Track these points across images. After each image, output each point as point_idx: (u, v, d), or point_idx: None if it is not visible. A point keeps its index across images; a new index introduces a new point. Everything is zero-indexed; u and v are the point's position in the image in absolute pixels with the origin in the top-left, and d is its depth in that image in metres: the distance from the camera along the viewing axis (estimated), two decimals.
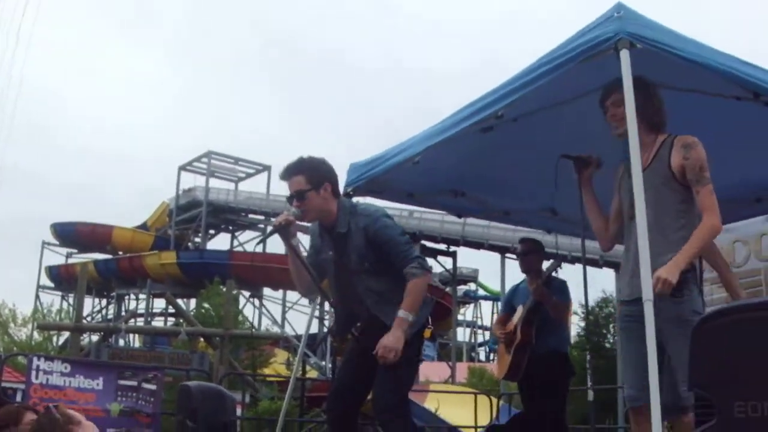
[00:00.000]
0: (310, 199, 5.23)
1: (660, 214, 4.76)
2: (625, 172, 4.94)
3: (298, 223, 5.40)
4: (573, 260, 27.23)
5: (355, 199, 6.25)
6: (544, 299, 7.28)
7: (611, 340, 41.03)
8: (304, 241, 6.21)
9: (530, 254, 7.62)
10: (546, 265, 7.51)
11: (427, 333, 5.37)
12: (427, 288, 5.40)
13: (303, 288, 5.63)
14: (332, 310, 5.61)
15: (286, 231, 5.24)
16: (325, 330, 41.52)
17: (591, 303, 38.46)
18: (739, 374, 2.49)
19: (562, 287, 7.56)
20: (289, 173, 5.31)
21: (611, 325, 41.59)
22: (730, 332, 2.57)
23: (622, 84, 4.60)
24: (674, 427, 4.89)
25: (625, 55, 4.64)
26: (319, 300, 6.38)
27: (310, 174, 5.25)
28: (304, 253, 5.69)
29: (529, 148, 6.57)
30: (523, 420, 8.03)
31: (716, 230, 4.74)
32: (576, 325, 42.35)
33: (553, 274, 7.39)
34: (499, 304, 43.75)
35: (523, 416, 7.98)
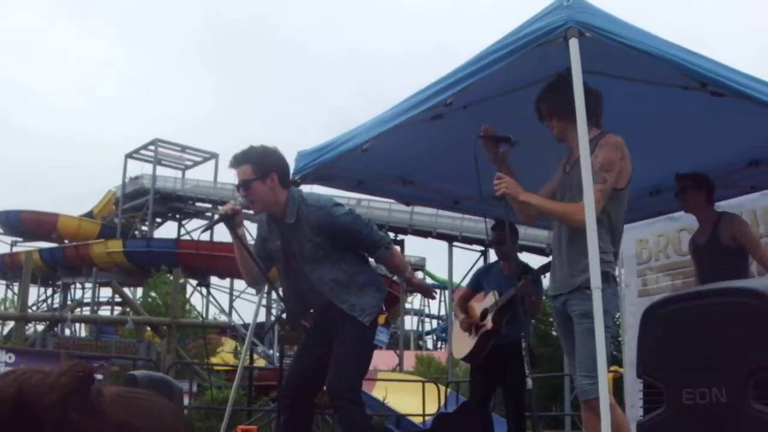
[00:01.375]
0: (255, 189, 5.21)
1: None
2: (562, 169, 5.05)
3: (244, 212, 5.37)
4: (521, 249, 27.30)
5: (302, 188, 6.21)
6: (528, 294, 7.27)
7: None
8: (252, 229, 6.17)
9: (504, 244, 7.57)
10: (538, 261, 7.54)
11: (382, 319, 5.41)
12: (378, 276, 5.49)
13: (250, 277, 5.59)
14: (280, 299, 5.58)
15: (231, 220, 5.20)
16: (273, 319, 41.43)
17: None
18: (686, 362, 2.50)
19: (540, 283, 7.63)
20: (236, 162, 5.28)
21: None
22: (678, 320, 2.58)
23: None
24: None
25: (573, 44, 4.64)
26: (266, 289, 6.34)
27: (256, 163, 5.22)
28: (251, 242, 5.66)
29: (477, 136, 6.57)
30: (469, 407, 8.10)
31: (571, 218, 4.82)
32: None
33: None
34: (446, 292, 43.87)
35: (469, 404, 8.04)
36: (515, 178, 5.13)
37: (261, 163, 5.23)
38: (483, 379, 7.65)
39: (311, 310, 5.61)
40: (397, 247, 5.44)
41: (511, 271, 7.39)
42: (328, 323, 5.38)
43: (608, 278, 4.78)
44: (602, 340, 4.12)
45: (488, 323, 7.37)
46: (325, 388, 5.42)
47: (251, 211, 5.53)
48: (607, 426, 3.63)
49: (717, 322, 2.47)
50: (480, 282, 7.80)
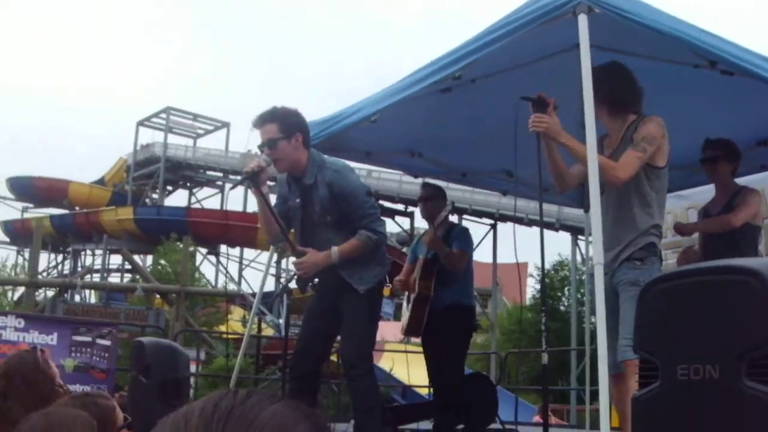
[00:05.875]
0: (281, 148, 5.32)
1: (622, 193, 4.97)
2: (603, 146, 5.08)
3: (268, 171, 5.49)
4: (530, 223, 27.40)
5: None
6: (437, 248, 6.94)
7: (566, 303, 41.50)
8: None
9: (430, 200, 7.24)
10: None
11: (387, 291, 5.48)
12: (386, 249, 5.53)
13: (271, 236, 5.72)
14: (291, 264, 5.65)
15: (256, 178, 5.31)
16: (281, 287, 41.55)
17: (547, 266, 38.81)
18: (682, 338, 2.53)
19: (462, 235, 7.30)
20: (261, 121, 5.38)
21: (566, 288, 42.07)
22: (674, 297, 2.60)
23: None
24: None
25: (583, 20, 4.65)
26: (275, 258, 6.41)
27: (282, 123, 5.34)
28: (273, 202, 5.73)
29: (486, 110, 6.59)
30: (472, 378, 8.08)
31: (612, 174, 4.84)
32: (531, 287, 42.83)
33: (454, 220, 7.10)
34: None
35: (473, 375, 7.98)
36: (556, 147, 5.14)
37: (286, 123, 5.36)
38: (431, 349, 7.26)
39: (316, 280, 5.67)
40: (368, 248, 5.39)
41: (432, 234, 7.01)
42: (332, 292, 5.52)
43: (655, 251, 4.94)
44: (602, 309, 4.22)
45: (415, 289, 7.03)
46: (337, 359, 5.52)
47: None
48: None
49: (714, 299, 2.49)
50: (415, 253, 7.43)
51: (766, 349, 2.32)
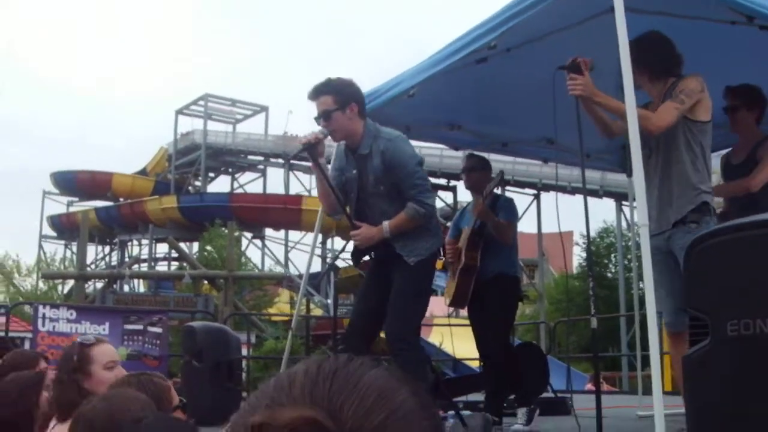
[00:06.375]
0: (336, 119, 5.34)
1: (671, 151, 4.98)
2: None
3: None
4: (573, 191, 27.21)
5: None
6: (487, 218, 6.87)
7: (613, 270, 41.32)
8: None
9: (474, 171, 7.18)
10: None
11: (439, 264, 5.53)
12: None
13: (329, 208, 5.79)
14: (352, 225, 5.63)
15: (314, 149, 5.35)
16: (327, 266, 41.66)
17: (592, 233, 38.64)
18: (730, 294, 2.52)
19: (507, 205, 7.23)
20: (316, 93, 5.39)
21: (612, 255, 41.86)
22: (721, 253, 2.60)
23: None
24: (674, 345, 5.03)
25: None
26: (320, 239, 6.47)
27: (337, 94, 5.35)
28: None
29: (523, 79, 6.57)
30: (523, 348, 8.06)
31: (650, 122, 4.84)
32: (578, 255, 42.67)
33: (497, 191, 7.05)
34: None
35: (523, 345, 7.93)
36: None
37: (341, 94, 5.36)
38: (478, 321, 7.17)
39: (366, 258, 5.71)
40: (416, 221, 5.40)
41: (482, 204, 6.91)
42: (385, 266, 5.53)
43: (709, 210, 4.93)
44: (649, 267, 4.23)
45: (462, 259, 6.99)
46: (382, 334, 5.50)
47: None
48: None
49: (759, 254, 2.49)
50: (458, 225, 7.37)
51: None
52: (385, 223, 5.37)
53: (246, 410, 0.87)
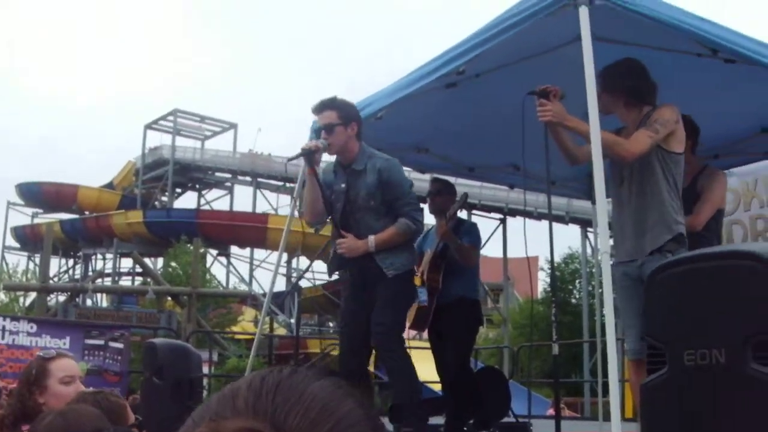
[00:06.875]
0: (338, 133, 5.66)
1: (647, 179, 5.02)
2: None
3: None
4: (539, 216, 27.32)
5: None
6: (450, 240, 6.93)
7: (577, 296, 41.49)
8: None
9: (439, 195, 7.23)
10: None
11: (418, 280, 6.02)
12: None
13: (314, 216, 5.99)
14: (338, 234, 5.78)
15: (311, 157, 5.61)
16: (292, 286, 41.59)
17: (557, 259, 38.80)
18: (688, 323, 2.55)
19: (471, 229, 7.31)
20: (322, 107, 5.72)
21: (577, 281, 42.04)
22: (680, 283, 2.63)
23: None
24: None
25: (583, 12, 4.68)
26: (284, 258, 6.56)
27: (340, 111, 5.69)
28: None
29: (492, 105, 6.60)
30: (485, 373, 8.07)
31: (622, 148, 4.92)
32: (543, 281, 42.79)
33: (463, 215, 7.09)
34: None
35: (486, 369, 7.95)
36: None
37: (345, 111, 5.72)
38: (438, 343, 7.21)
39: (347, 271, 5.91)
40: (405, 237, 5.72)
41: (444, 226, 6.99)
42: (364, 284, 5.75)
43: (684, 241, 4.97)
44: (609, 295, 4.27)
45: (424, 282, 6.98)
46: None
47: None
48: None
49: (719, 284, 2.52)
50: (421, 248, 7.23)
51: None
52: (371, 237, 5.61)
53: (189, 425, 0.86)
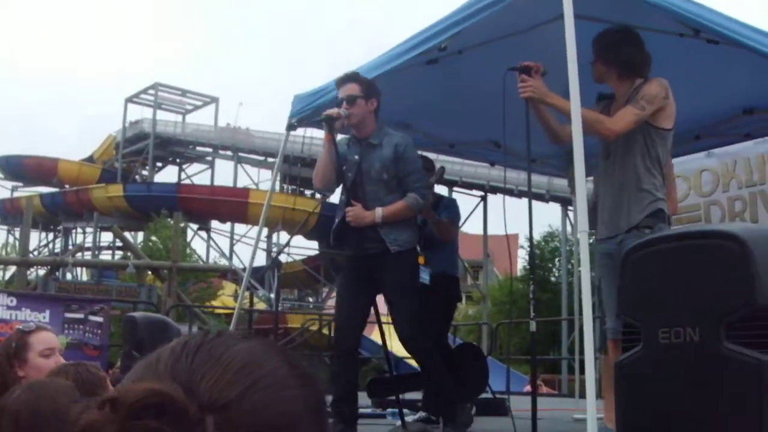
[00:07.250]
0: (359, 105, 5.77)
1: (628, 156, 5.02)
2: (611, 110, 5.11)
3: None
4: (520, 194, 27.46)
5: (299, 131, 6.37)
6: (427, 215, 7.00)
7: (557, 274, 41.64)
8: None
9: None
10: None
11: (421, 260, 6.10)
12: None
13: (323, 181, 6.03)
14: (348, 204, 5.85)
15: (333, 123, 5.69)
16: (271, 261, 41.54)
17: (537, 237, 38.92)
18: (662, 302, 2.57)
19: (450, 204, 7.43)
20: (347, 79, 5.89)
21: (557, 259, 42.19)
22: (655, 262, 2.65)
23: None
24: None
25: None
26: (265, 233, 6.57)
27: (363, 85, 5.83)
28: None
29: (474, 81, 6.60)
30: (462, 349, 8.09)
31: (604, 127, 4.96)
32: (523, 258, 42.93)
33: (441, 191, 7.06)
34: None
35: (463, 345, 7.95)
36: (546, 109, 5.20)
37: (368, 86, 5.85)
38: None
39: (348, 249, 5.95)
40: (412, 211, 5.87)
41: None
42: (365, 269, 5.78)
43: (664, 217, 4.98)
44: (587, 274, 4.28)
45: None
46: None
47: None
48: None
49: (693, 264, 2.53)
50: None
51: (743, 312, 2.36)
52: (379, 209, 5.72)
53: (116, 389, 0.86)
